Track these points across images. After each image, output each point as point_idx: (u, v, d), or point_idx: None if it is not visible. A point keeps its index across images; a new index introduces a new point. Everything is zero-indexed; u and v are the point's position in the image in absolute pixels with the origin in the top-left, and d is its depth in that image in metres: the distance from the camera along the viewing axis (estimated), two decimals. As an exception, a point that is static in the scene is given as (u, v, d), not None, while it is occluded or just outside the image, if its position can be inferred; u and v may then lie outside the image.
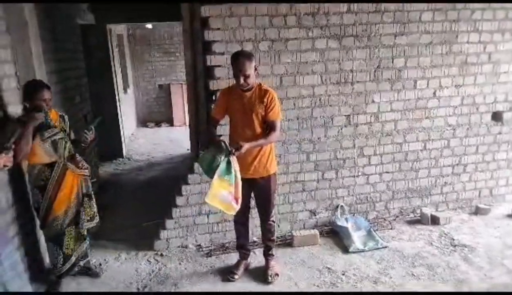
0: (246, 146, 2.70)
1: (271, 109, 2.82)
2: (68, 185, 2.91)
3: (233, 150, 2.68)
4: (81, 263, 3.15)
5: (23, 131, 2.56)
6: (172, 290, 3.03)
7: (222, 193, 2.64)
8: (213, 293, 3.01)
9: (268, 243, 3.19)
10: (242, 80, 2.75)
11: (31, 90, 2.74)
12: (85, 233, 3.10)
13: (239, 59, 2.74)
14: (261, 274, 3.15)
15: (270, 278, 3.08)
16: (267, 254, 3.21)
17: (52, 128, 2.82)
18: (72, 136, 3.04)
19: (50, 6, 4.12)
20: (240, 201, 2.73)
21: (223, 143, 2.73)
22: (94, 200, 3.13)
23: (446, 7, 3.72)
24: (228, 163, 2.67)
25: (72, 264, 3.03)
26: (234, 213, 2.78)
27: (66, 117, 3.04)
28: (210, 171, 2.74)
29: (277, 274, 3.13)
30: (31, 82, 2.88)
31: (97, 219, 3.17)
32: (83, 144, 3.04)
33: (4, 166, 2.12)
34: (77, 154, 2.99)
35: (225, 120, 3.14)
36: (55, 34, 4.26)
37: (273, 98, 2.83)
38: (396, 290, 2.96)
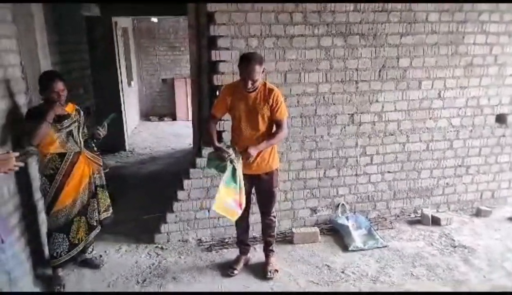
0: (254, 152, 2.73)
1: (277, 108, 2.80)
2: (77, 175, 2.93)
3: (240, 158, 2.73)
4: (87, 255, 3.18)
5: (42, 120, 2.66)
6: (172, 284, 3.04)
7: (229, 201, 2.71)
8: (212, 293, 3.00)
9: (268, 238, 3.19)
10: (249, 84, 2.72)
11: (45, 82, 2.78)
12: (95, 223, 3.12)
13: (250, 64, 2.67)
14: (261, 270, 3.16)
15: (269, 274, 3.09)
16: (267, 250, 3.22)
17: (69, 119, 2.88)
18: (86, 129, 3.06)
19: (56, -3, 4.13)
20: (243, 205, 2.78)
21: (227, 154, 2.73)
22: (107, 190, 3.18)
23: (453, 8, 3.70)
24: (234, 170, 2.71)
25: (79, 252, 3.06)
26: (235, 218, 2.81)
27: (81, 111, 3.05)
28: (218, 169, 2.86)
29: (276, 270, 3.14)
30: (45, 73, 2.93)
31: (111, 210, 3.23)
32: (95, 140, 3.06)
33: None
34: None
35: (227, 115, 3.13)
36: (61, 25, 4.26)
37: (278, 97, 2.81)
38: (395, 290, 2.96)
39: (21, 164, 1.97)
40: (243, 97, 2.82)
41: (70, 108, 2.94)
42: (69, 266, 3.14)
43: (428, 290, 2.95)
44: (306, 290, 2.97)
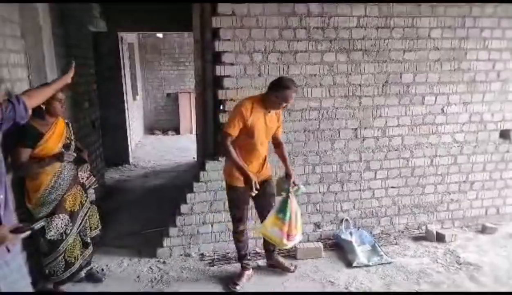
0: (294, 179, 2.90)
1: (280, 125, 2.97)
2: (71, 197, 2.89)
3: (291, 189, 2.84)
4: (83, 273, 3.11)
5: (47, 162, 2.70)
6: (174, 299, 3.01)
7: (274, 229, 2.82)
8: (213, 293, 3.00)
9: (270, 247, 3.26)
10: (281, 108, 2.83)
11: None
12: (89, 240, 3.09)
13: (292, 91, 2.74)
14: (279, 272, 3.29)
15: (292, 267, 3.28)
16: (272, 255, 3.32)
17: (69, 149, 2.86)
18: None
19: (64, 12, 4.21)
20: (294, 237, 2.85)
21: (283, 184, 2.90)
22: (96, 207, 3.17)
23: (455, 24, 3.74)
24: (285, 202, 2.81)
25: (76, 270, 3.00)
26: (284, 247, 2.99)
27: (70, 124, 3.01)
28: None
29: (295, 265, 3.30)
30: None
31: (100, 226, 3.21)
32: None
33: None
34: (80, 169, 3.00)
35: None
36: (68, 40, 4.33)
37: (281, 114, 2.98)
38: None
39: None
40: (262, 116, 2.84)
41: (61, 123, 2.86)
42: (70, 282, 3.10)
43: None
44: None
